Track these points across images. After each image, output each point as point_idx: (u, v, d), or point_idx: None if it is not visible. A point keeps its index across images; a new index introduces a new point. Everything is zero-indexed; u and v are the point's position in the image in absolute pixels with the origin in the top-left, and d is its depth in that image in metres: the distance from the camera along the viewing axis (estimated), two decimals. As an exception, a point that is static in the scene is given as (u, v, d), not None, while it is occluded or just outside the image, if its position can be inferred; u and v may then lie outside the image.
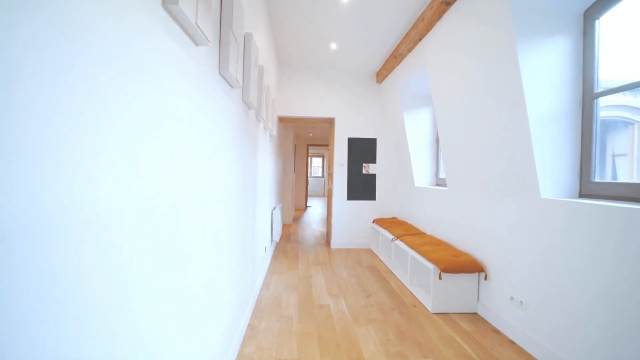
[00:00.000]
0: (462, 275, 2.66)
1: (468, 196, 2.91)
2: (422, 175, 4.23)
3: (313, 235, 5.91)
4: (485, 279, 2.58)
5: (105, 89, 0.64)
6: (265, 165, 3.50)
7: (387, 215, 4.99)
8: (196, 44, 1.16)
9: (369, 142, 4.95)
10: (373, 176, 4.96)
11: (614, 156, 2.03)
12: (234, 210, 1.88)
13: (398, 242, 3.62)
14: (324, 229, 6.58)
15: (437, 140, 4.17)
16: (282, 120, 5.12)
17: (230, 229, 1.80)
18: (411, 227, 4.11)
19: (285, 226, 6.90)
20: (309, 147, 10.60)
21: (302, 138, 9.96)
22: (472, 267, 2.60)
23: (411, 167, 4.23)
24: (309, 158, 14.71)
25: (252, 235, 2.62)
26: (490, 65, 2.29)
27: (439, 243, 3.19)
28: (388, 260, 4.08)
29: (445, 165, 3.26)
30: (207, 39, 1.14)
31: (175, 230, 1.01)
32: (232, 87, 1.71)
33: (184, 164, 1.09)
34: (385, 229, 4.28)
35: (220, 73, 1.47)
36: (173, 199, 0.99)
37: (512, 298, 2.29)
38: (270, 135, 3.87)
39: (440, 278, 2.60)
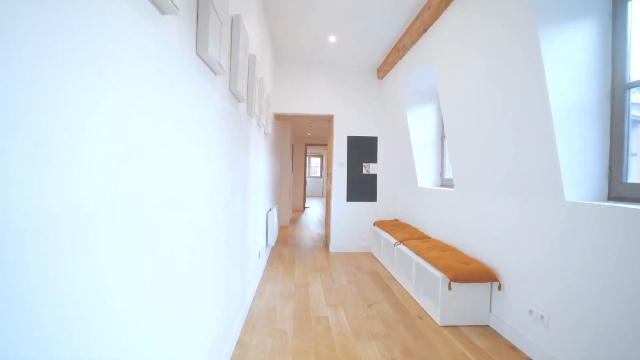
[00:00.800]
0: (472, 284, 2.43)
1: (478, 198, 2.69)
2: (426, 176, 4.01)
3: (311, 238, 5.68)
4: (499, 289, 2.35)
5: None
6: (259, 165, 3.27)
7: (389, 217, 4.77)
8: (161, 11, 0.93)
9: (370, 141, 4.72)
10: (374, 176, 4.74)
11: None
12: (219, 215, 1.65)
13: (401, 246, 3.40)
14: (322, 231, 6.35)
15: (442, 139, 3.95)
16: (278, 117, 4.89)
17: (214, 235, 1.57)
18: (414, 230, 3.89)
19: (282, 228, 6.67)
20: (307, 147, 10.38)
21: (300, 137, 9.73)
22: (484, 275, 2.38)
23: (414, 167, 4.00)
24: (307, 158, 14.49)
25: (243, 240, 2.39)
26: (506, 54, 2.07)
27: (446, 248, 2.97)
28: (390, 266, 3.86)
29: (453, 166, 3.03)
30: (174, 5, 0.91)
31: (143, 240, 0.78)
32: (214, 72, 1.48)
33: (146, 163, 0.85)
34: (387, 232, 4.05)
35: (197, 54, 1.24)
36: (136, 203, 0.76)
37: (530, 311, 2.06)
38: (265, 134, 3.64)
39: (449, 288, 2.37)
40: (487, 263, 2.53)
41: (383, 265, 4.02)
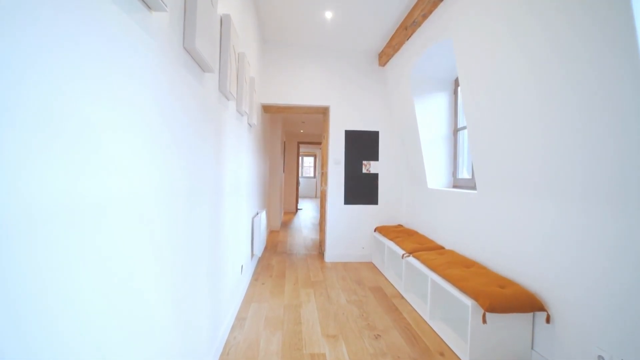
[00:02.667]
0: (512, 314, 1.90)
1: (512, 203, 2.16)
2: (436, 176, 3.48)
3: (304, 245, 5.11)
4: (547, 321, 1.82)
5: None
6: (242, 163, 2.70)
7: (392, 222, 4.23)
8: None
9: (370, 136, 4.18)
10: (375, 176, 4.19)
11: None
12: (164, 229, 1.08)
13: (412, 259, 2.85)
14: (316, 236, 5.79)
15: (456, 132, 3.42)
16: (267, 109, 4.31)
17: (157, 260, 1.00)
18: (423, 238, 3.35)
19: (272, 233, 6.09)
20: (300, 145, 9.81)
21: (292, 134, 9.16)
22: (526, 303, 1.84)
23: (423, 165, 3.47)
24: (300, 157, 13.93)
25: (214, 258, 1.82)
26: (567, 16, 1.53)
27: (468, 263, 2.43)
28: (397, 281, 3.31)
29: (475, 163, 2.50)
30: None
31: None
32: (149, 8, 0.91)
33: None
34: (391, 240, 3.51)
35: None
36: None
37: (600, 358, 1.53)
38: (250, 125, 3.06)
39: (484, 321, 1.83)
40: (526, 285, 2.00)
41: (387, 279, 3.47)
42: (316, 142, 9.29)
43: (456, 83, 3.43)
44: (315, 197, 15.00)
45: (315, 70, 4.11)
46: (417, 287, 2.99)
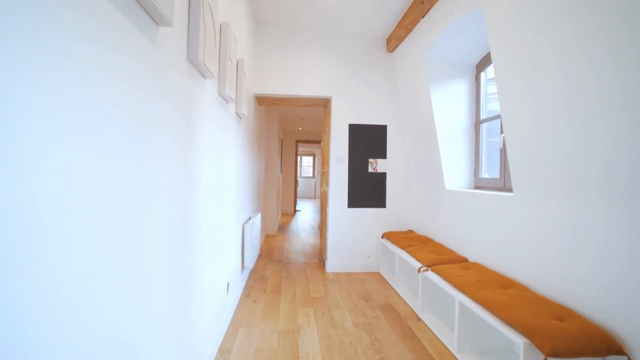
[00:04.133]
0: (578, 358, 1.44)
1: (566, 210, 1.70)
2: (455, 175, 3.02)
3: (302, 251, 4.64)
4: (629, 369, 1.36)
5: None
6: (228, 158, 2.24)
7: (401, 227, 3.77)
8: None
9: (377, 130, 3.72)
10: (382, 175, 3.73)
11: None
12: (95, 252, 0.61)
13: (431, 274, 2.39)
14: (315, 241, 5.32)
15: (478, 125, 2.97)
16: (261, 101, 3.84)
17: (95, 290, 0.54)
18: (441, 247, 2.89)
19: (268, 237, 5.63)
20: (298, 144, 9.34)
21: (290, 132, 8.70)
22: (598, 344, 1.38)
23: (440, 163, 3.01)
24: (299, 157, 13.47)
25: (184, 283, 1.35)
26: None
27: (505, 282, 1.97)
28: (411, 298, 2.85)
29: (513, 160, 2.04)
30: None
31: None
32: None
33: None
34: (403, 249, 3.05)
35: None
36: None
37: None
38: (238, 115, 2.60)
39: (545, 370, 1.37)
40: (593, 318, 1.54)
41: (398, 294, 3.01)
42: (315, 140, 8.83)
43: (478, 68, 2.97)
44: (315, 197, 14.55)
45: (315, 57, 3.65)
46: (438, 307, 2.53)
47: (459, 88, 3.00)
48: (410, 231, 3.65)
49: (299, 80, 3.62)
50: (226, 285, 2.31)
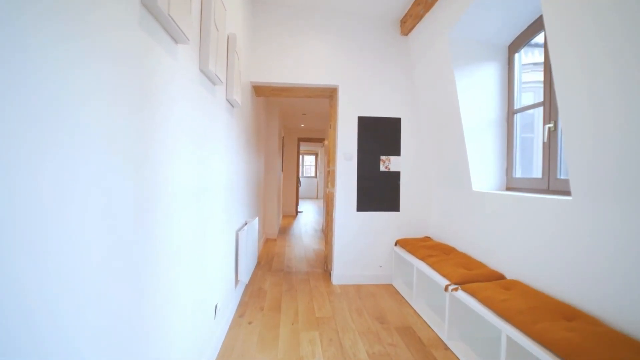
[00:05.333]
0: None
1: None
2: (483, 174, 2.59)
3: (305, 258, 4.23)
4: None
5: None
6: (217, 153, 1.82)
7: (417, 233, 3.34)
8: None
9: (390, 124, 3.29)
10: (395, 175, 3.31)
11: None
12: None
13: (462, 294, 1.97)
14: (319, 246, 4.91)
15: (511, 116, 2.54)
16: (259, 91, 3.43)
17: None
18: (468, 259, 2.47)
19: (268, 242, 5.21)
20: (300, 143, 8.92)
21: (292, 130, 8.29)
22: None
23: (467, 160, 2.58)
24: (301, 156, 13.07)
25: (148, 320, 0.94)
26: None
27: (567, 312, 1.54)
28: (435, 320, 2.43)
29: (571, 157, 1.61)
30: None
31: None
32: None
33: None
34: (423, 260, 2.62)
35: None
36: None
37: None
38: (230, 103, 2.18)
39: None
40: None
41: (417, 313, 2.59)
42: (318, 138, 8.40)
43: (511, 49, 2.54)
44: (317, 198, 14.14)
45: (319, 42, 3.23)
46: (470, 334, 2.10)
47: (488, 73, 2.57)
48: (428, 238, 3.23)
49: (301, 67, 3.20)
50: (214, 308, 1.89)
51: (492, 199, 2.35)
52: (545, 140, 2.11)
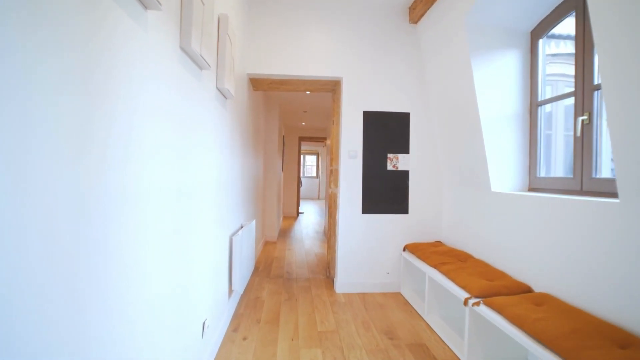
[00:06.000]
0: None
1: None
2: (503, 173, 2.35)
3: (306, 263, 3.99)
4: None
5: None
6: (206, 150, 1.58)
7: (427, 238, 3.10)
8: None
9: (398, 119, 3.05)
10: (404, 174, 3.06)
11: None
12: None
13: (486, 310, 1.72)
14: (321, 250, 4.67)
15: (534, 108, 2.29)
16: (257, 84, 3.19)
17: None
18: (485, 267, 2.23)
19: (267, 245, 4.97)
20: (301, 142, 8.68)
21: (293, 128, 8.05)
22: None
23: (485, 158, 2.34)
24: (302, 156, 12.85)
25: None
26: None
27: (620, 337, 1.29)
28: (452, 337, 2.18)
29: (617, 154, 1.37)
30: None
31: None
32: None
33: None
34: (436, 268, 2.38)
35: None
36: None
37: None
38: (222, 93, 1.94)
39: None
40: None
41: (430, 327, 2.34)
42: (320, 137, 8.16)
43: (534, 35, 2.30)
44: (319, 198, 13.90)
45: (322, 31, 2.99)
46: (495, 354, 1.86)
47: (509, 61, 2.33)
48: (439, 243, 2.98)
49: (302, 58, 2.96)
50: (201, 326, 1.65)
51: (515, 201, 2.11)
52: (578, 134, 1.86)
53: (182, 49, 1.25)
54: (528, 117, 2.34)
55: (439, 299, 2.45)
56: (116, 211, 0.81)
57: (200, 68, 1.50)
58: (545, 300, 1.68)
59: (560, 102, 2.15)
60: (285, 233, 6.01)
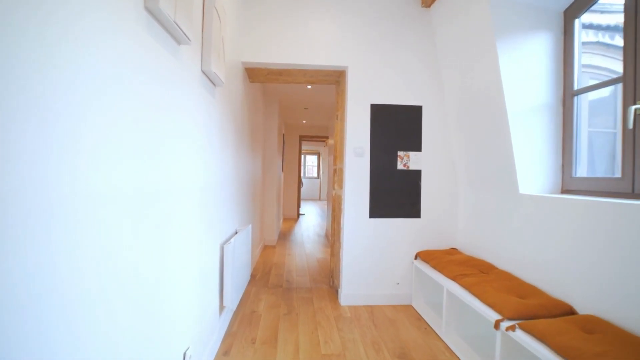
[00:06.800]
0: None
1: None
2: (531, 172, 2.06)
3: (307, 269, 3.70)
4: None
5: None
6: (190, 147, 1.29)
7: (441, 244, 2.80)
8: None
9: (410, 113, 2.76)
10: (416, 174, 2.77)
11: None
12: None
13: (524, 336, 1.43)
14: (323, 255, 4.38)
15: (569, 98, 2.00)
16: (253, 75, 2.90)
17: None
18: (514, 280, 1.94)
19: (266, 249, 4.68)
20: (302, 141, 8.39)
21: (293, 127, 7.77)
22: None
23: (512, 155, 2.05)
24: (302, 156, 12.58)
25: None
26: None
27: None
28: (473, 358, 1.89)
29: None
30: None
31: None
32: None
33: None
34: (455, 280, 2.09)
35: None
36: None
37: None
38: (209, 77, 1.66)
39: None
40: None
41: (450, 349, 2.05)
42: (321, 136, 7.87)
43: (568, 15, 2.01)
44: (319, 199, 13.62)
45: (325, 16, 2.70)
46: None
47: (539, 44, 2.04)
48: (454, 250, 2.69)
49: (303, 46, 2.68)
50: (182, 356, 1.37)
51: (550, 205, 1.81)
52: (630, 126, 1.57)
53: (148, 9, 0.97)
54: (561, 108, 2.05)
55: (459, 316, 2.15)
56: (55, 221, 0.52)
57: (178, 42, 1.22)
58: (596, 326, 1.39)
59: (596, 91, 1.86)
60: (285, 236, 5.72)
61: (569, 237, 1.68)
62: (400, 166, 2.74)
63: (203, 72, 1.54)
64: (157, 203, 1.07)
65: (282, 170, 6.78)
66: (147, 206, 1.00)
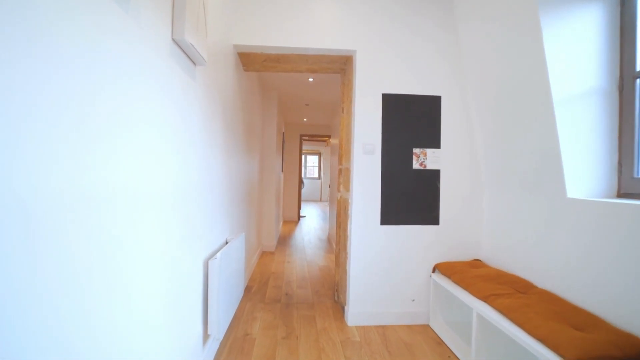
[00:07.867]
0: None
1: None
2: (580, 172, 1.70)
3: (309, 279, 3.34)
4: None
5: None
6: (157, 140, 0.94)
7: (462, 255, 2.45)
8: None
9: (427, 105, 2.41)
10: (434, 174, 2.42)
11: None
12: None
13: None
14: (325, 262, 4.02)
15: (630, 81, 1.64)
16: (248, 60, 2.55)
17: None
18: (561, 303, 1.59)
19: (264, 256, 4.33)
20: (303, 140, 8.04)
21: (293, 125, 7.42)
22: None
23: (559, 153, 1.69)
24: (303, 156, 12.25)
25: None
26: None
27: None
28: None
29: None
30: None
31: None
32: None
33: None
34: (487, 302, 1.74)
35: None
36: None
37: None
38: (186, 52, 1.31)
39: None
40: None
41: (482, 385, 1.69)
42: (323, 135, 7.51)
43: (627, -19, 1.65)
44: (321, 200, 13.26)
45: (330, -6, 2.36)
46: None
47: (589, 18, 1.68)
48: (478, 262, 2.34)
49: (304, 27, 2.33)
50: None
51: (606, 211, 1.46)
52: None
53: None
54: (617, 94, 1.69)
55: (490, 342, 1.80)
56: None
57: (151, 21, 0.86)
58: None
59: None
60: (284, 240, 5.37)
61: (632, 252, 1.32)
62: (416, 165, 2.39)
63: (174, 41, 1.19)
64: (91, 212, 0.72)
65: (282, 171, 6.43)
66: (104, 217, 0.64)
